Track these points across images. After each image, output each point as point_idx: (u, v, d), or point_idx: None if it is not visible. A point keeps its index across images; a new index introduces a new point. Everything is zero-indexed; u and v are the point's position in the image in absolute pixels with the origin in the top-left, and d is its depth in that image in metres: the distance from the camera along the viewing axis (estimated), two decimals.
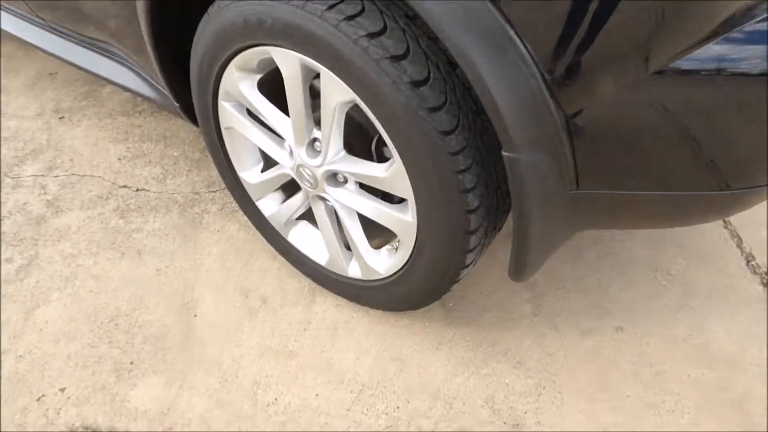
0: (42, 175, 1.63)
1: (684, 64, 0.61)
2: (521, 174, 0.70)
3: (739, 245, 1.43)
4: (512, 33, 0.61)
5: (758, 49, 0.61)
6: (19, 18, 1.76)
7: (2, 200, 1.52)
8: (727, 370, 1.14)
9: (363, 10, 0.74)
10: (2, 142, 1.79)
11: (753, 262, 1.38)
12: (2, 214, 1.47)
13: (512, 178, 0.71)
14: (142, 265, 1.32)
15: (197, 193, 1.58)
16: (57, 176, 1.63)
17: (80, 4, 1.29)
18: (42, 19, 1.61)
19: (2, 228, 1.42)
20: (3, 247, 1.36)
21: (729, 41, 0.61)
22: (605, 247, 1.42)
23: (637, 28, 0.59)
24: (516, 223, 0.78)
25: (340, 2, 0.74)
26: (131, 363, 1.09)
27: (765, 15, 0.61)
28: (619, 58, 0.62)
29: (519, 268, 0.86)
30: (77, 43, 1.55)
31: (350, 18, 0.74)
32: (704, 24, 0.60)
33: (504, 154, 0.69)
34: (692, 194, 0.73)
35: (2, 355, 1.09)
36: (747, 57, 0.61)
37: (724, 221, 1.50)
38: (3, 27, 1.83)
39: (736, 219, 1.49)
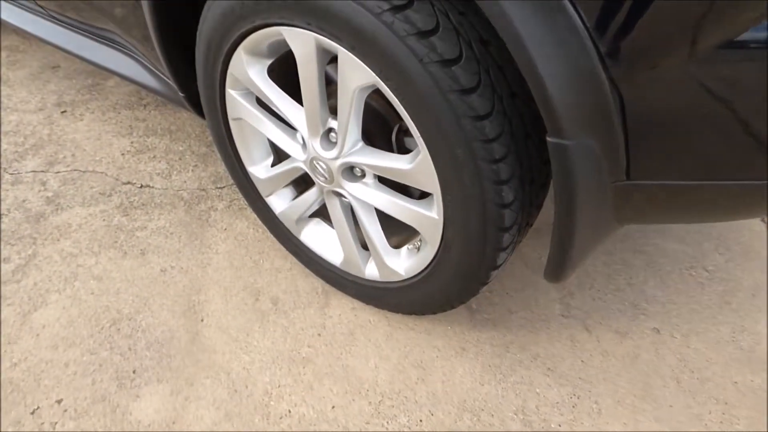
0: (43, 171, 1.56)
1: (762, 33, 0.52)
2: (568, 163, 0.61)
3: None
4: (575, 14, 0.52)
5: None
6: (19, 7, 1.69)
7: (1, 197, 1.46)
8: None
9: None
10: (3, 136, 1.72)
11: None
12: (1, 212, 1.41)
13: (558, 167, 0.62)
14: (145, 265, 1.25)
15: (204, 189, 1.50)
16: (58, 172, 1.56)
17: None
18: (42, 8, 1.54)
19: (1, 226, 1.36)
20: (1, 246, 1.30)
21: None
22: (635, 243, 1.34)
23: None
24: (559, 219, 0.69)
25: None
26: (134, 371, 1.01)
27: None
28: (686, 26, 0.53)
29: (558, 269, 0.77)
30: (79, 33, 1.48)
31: None
32: None
33: (549, 140, 0.61)
34: (761, 183, 0.64)
35: None
36: None
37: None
38: (2, 17, 1.76)
39: None
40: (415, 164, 0.78)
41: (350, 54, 0.72)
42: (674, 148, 0.63)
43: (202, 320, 1.13)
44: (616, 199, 0.69)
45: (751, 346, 1.11)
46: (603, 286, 1.23)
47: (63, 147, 1.68)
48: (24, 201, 1.44)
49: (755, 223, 1.40)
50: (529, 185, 0.77)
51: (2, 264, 1.25)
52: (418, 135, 0.73)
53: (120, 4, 1.14)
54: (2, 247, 1.29)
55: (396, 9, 0.65)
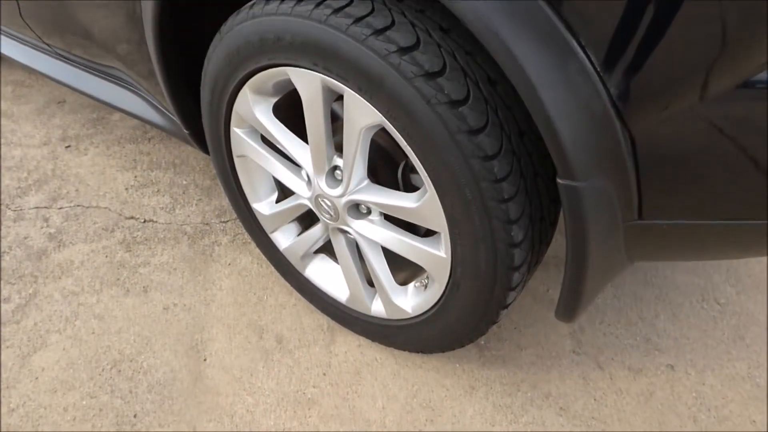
0: (45, 207, 1.56)
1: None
2: (579, 204, 0.60)
3: None
4: (572, 40, 0.52)
5: None
6: (25, 45, 1.72)
7: (2, 234, 1.45)
8: None
9: (393, 23, 0.66)
10: (6, 171, 1.73)
11: None
12: (2, 249, 1.40)
13: (569, 209, 0.61)
14: (148, 303, 1.23)
15: (207, 223, 1.49)
16: (61, 207, 1.56)
17: (89, 29, 1.23)
18: (48, 45, 1.56)
19: (1, 264, 1.34)
20: (1, 286, 1.28)
21: None
22: (645, 276, 1.32)
23: (718, 34, 0.50)
24: (571, 259, 0.68)
25: (367, 15, 0.66)
26: (134, 415, 0.99)
27: None
28: (697, 69, 0.52)
29: (570, 309, 0.75)
30: (84, 70, 1.50)
31: (379, 32, 0.66)
32: None
33: (560, 182, 0.60)
34: (756, 224, 0.63)
35: None
36: None
37: None
38: (7, 54, 1.79)
39: None
40: (422, 203, 0.77)
41: (357, 95, 0.72)
42: (687, 188, 0.62)
43: (205, 360, 1.10)
44: (628, 238, 0.67)
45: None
46: (614, 320, 1.20)
47: (66, 182, 1.68)
48: (26, 238, 1.43)
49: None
50: (538, 224, 0.75)
51: (2, 304, 1.23)
52: (426, 175, 0.72)
53: (125, 42, 1.15)
54: (2, 286, 1.28)
55: (403, 51, 0.65)
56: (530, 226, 0.72)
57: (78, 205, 1.57)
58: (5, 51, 1.80)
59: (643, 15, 0.50)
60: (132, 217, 1.52)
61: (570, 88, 0.54)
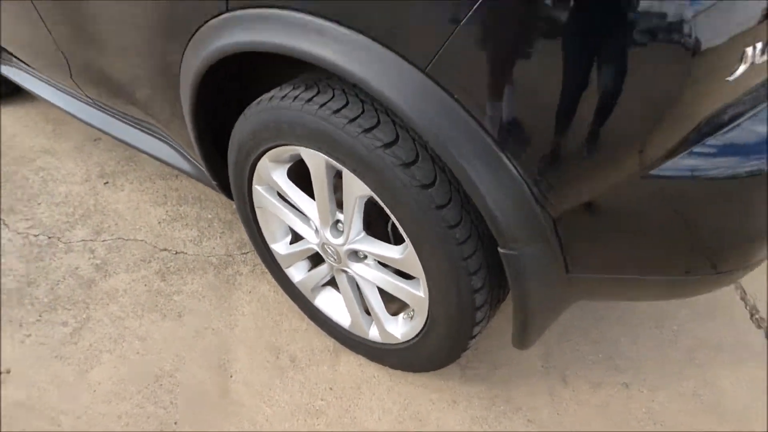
0: (91, 240, 1.79)
1: (662, 171, 0.71)
2: (516, 266, 0.80)
3: (743, 297, 1.49)
4: (502, 155, 0.73)
5: (729, 160, 0.71)
6: (66, 94, 1.96)
7: (56, 265, 1.68)
8: (740, 426, 1.19)
9: (378, 123, 0.87)
10: (55, 207, 1.97)
11: (756, 316, 1.44)
12: (57, 278, 1.63)
13: (508, 269, 0.82)
14: (182, 326, 1.45)
15: (230, 255, 1.71)
16: (104, 240, 1.79)
17: (131, 92, 1.46)
18: (89, 97, 1.80)
19: (58, 292, 1.58)
20: (59, 311, 1.51)
21: (705, 149, 0.71)
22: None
23: (612, 149, 0.70)
24: (515, 305, 0.88)
25: (359, 116, 0.87)
26: (175, 423, 1.20)
27: (733, 125, 0.71)
28: (596, 172, 0.72)
29: (521, 341, 0.95)
30: (120, 119, 1.72)
31: (368, 130, 0.87)
32: (678, 135, 0.70)
33: (500, 250, 0.80)
34: (667, 278, 0.83)
35: (62, 416, 1.22)
36: (721, 165, 0.71)
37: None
38: (50, 100, 2.03)
39: None
40: (405, 255, 0.97)
41: (352, 174, 0.93)
42: (599, 251, 0.81)
43: (231, 376, 1.32)
44: (562, 287, 0.87)
45: (714, 400, 1.25)
46: (580, 339, 1.39)
47: (107, 216, 1.91)
48: (76, 268, 1.67)
49: None
50: (495, 274, 0.95)
51: (62, 327, 1.46)
52: (406, 236, 0.93)
53: (164, 106, 1.37)
54: (60, 311, 1.51)
55: (386, 145, 0.86)
56: (488, 275, 0.92)
57: (119, 238, 1.80)
58: (48, 97, 2.04)
59: (548, 143, 0.70)
60: (165, 249, 1.74)
61: (501, 186, 0.75)
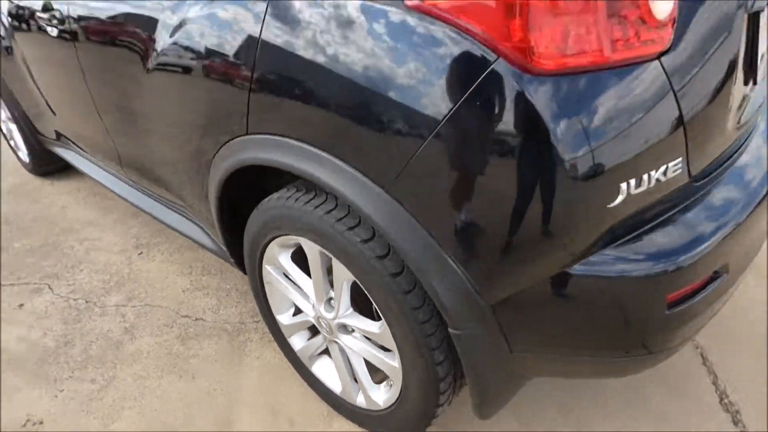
0: (123, 305, 2.02)
1: (575, 270, 0.89)
2: (463, 344, 0.97)
3: (714, 382, 1.59)
4: (446, 256, 0.92)
5: (625, 264, 0.88)
6: (111, 175, 2.26)
7: (91, 327, 1.90)
8: None
9: (359, 223, 1.08)
10: (94, 274, 2.22)
11: (726, 400, 1.53)
12: (90, 339, 1.84)
13: (457, 347, 0.99)
14: (195, 387, 1.63)
15: (243, 322, 1.91)
16: (134, 306, 2.01)
17: (168, 181, 1.73)
18: (130, 179, 2.09)
19: (90, 352, 1.78)
20: (89, 369, 1.71)
21: (617, 250, 0.89)
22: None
23: (530, 254, 0.88)
24: (467, 378, 1.04)
25: (344, 217, 1.09)
26: None
27: (626, 238, 0.89)
28: (518, 272, 0.90)
29: (480, 411, 1.10)
30: (155, 199, 1.99)
31: (351, 228, 1.08)
32: (588, 238, 0.88)
33: (450, 330, 0.98)
34: (601, 359, 0.98)
35: None
36: (631, 265, 0.88)
37: (702, 357, 1.67)
38: (98, 179, 2.34)
39: (714, 356, 1.65)
40: (381, 330, 1.15)
41: (340, 262, 1.14)
42: (534, 333, 0.98)
43: None
44: (508, 363, 1.03)
45: None
46: (553, 409, 1.50)
47: (138, 284, 2.15)
48: (108, 331, 1.88)
49: (694, 366, 1.65)
50: (454, 349, 1.11)
51: (90, 384, 1.65)
52: (381, 315, 1.11)
53: (191, 191, 1.62)
54: (90, 369, 1.71)
55: (364, 241, 1.07)
56: (448, 351, 1.09)
57: (147, 305, 2.02)
58: (97, 177, 2.35)
59: (484, 244, 0.89)
60: (187, 316, 1.95)
61: (447, 280, 0.93)
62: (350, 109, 0.94)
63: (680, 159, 0.87)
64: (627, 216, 0.87)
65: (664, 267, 0.88)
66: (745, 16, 1.04)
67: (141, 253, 2.37)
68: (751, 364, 1.62)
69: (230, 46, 1.12)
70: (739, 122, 1.05)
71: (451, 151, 0.84)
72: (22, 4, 2.06)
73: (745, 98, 1.12)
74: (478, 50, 0.78)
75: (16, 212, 2.81)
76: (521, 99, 0.77)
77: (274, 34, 1.02)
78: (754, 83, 1.14)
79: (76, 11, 1.68)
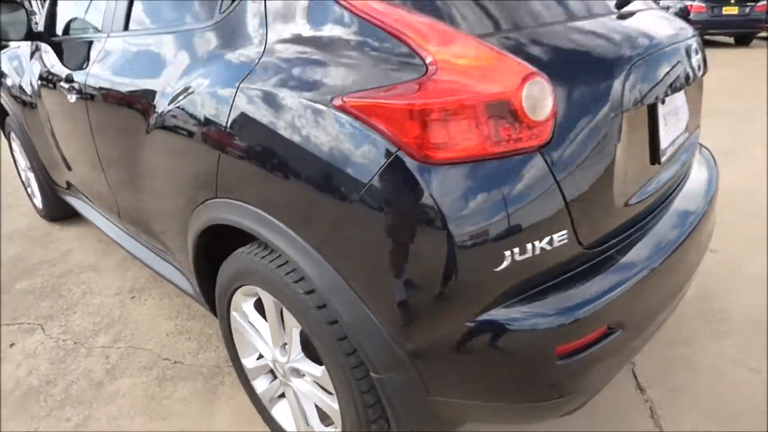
0: (109, 347, 2.16)
1: (475, 323, 1.02)
2: (385, 389, 1.10)
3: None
4: (366, 308, 1.07)
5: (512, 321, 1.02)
6: (111, 223, 2.46)
7: (75, 367, 2.04)
8: None
9: (303, 278, 1.23)
10: (86, 316, 2.37)
11: None
12: (72, 379, 1.97)
13: (380, 391, 1.11)
14: (166, 427, 1.73)
15: (219, 366, 2.03)
16: (119, 348, 2.15)
17: (155, 228, 1.91)
18: (127, 228, 2.28)
19: (70, 391, 1.91)
20: (66, 408, 1.83)
21: (513, 307, 1.03)
22: None
23: (433, 310, 1.02)
24: (392, 422, 1.15)
25: (291, 272, 1.24)
26: None
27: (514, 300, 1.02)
28: (427, 325, 1.04)
29: None
30: (146, 248, 2.17)
31: (296, 281, 1.23)
32: (483, 296, 1.01)
33: (372, 375, 1.11)
34: (505, 405, 1.10)
35: None
36: (513, 321, 1.02)
37: (651, 411, 1.74)
38: (100, 226, 2.54)
39: (662, 410, 1.73)
40: (323, 375, 1.28)
41: (289, 312, 1.28)
42: (448, 380, 1.10)
43: None
44: (432, 408, 1.14)
45: None
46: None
47: (126, 326, 2.29)
48: (90, 371, 2.01)
49: (644, 424, 1.73)
50: None
51: (65, 422, 1.77)
52: (323, 361, 1.24)
53: (174, 242, 1.79)
54: (67, 409, 1.83)
55: (306, 293, 1.21)
56: (377, 394, 1.21)
57: (131, 346, 2.16)
58: (99, 224, 2.55)
59: (396, 300, 1.04)
60: (167, 359, 2.08)
61: (367, 329, 1.07)
62: (287, 182, 1.12)
63: (565, 231, 1.03)
64: (523, 276, 1.02)
65: (553, 323, 1.01)
66: (645, 108, 1.23)
67: (134, 297, 2.53)
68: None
69: (206, 122, 1.33)
70: (634, 200, 1.20)
71: (365, 222, 1.01)
72: (52, 70, 2.34)
73: (649, 179, 1.28)
74: (385, 143, 0.96)
75: (23, 255, 3.01)
76: (417, 183, 0.94)
77: (235, 117, 1.22)
78: (659, 164, 1.31)
79: (91, 82, 1.93)
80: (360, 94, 1.00)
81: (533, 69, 0.97)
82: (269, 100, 1.15)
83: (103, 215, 2.54)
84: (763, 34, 11.86)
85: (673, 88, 1.33)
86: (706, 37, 11.48)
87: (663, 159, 1.32)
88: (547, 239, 1.00)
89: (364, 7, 1.07)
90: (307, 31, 1.16)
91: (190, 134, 1.39)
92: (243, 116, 1.21)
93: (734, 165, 3.91)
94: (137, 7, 1.77)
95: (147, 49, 1.67)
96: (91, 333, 2.25)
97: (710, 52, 10.43)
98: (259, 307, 1.50)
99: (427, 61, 0.97)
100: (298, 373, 1.44)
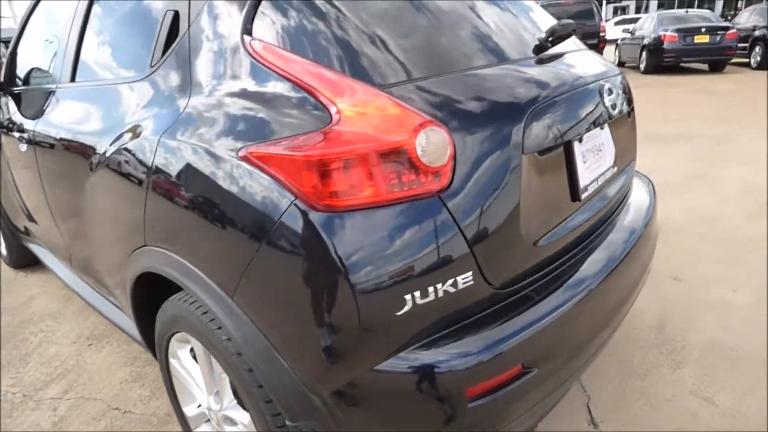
0: (59, 398, 2.11)
1: (385, 366, 1.02)
2: None
3: None
4: (278, 356, 1.07)
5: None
6: (66, 269, 2.45)
7: (21, 421, 1.99)
8: None
9: (221, 327, 1.23)
10: (39, 366, 2.33)
11: None
12: None
13: None
14: None
15: (169, 414, 1.99)
16: (69, 399, 2.11)
17: (103, 278, 1.91)
18: (79, 274, 2.27)
19: None
20: None
21: (422, 349, 1.02)
22: None
23: (338, 356, 1.01)
24: None
25: (213, 319, 1.24)
26: None
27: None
28: (335, 372, 1.03)
29: None
30: (98, 293, 2.16)
31: (219, 328, 1.22)
32: (388, 340, 1.01)
33: (287, 423, 1.10)
34: None
35: None
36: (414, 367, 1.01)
37: None
38: (56, 272, 2.52)
39: None
40: (249, 423, 1.26)
41: (215, 359, 1.27)
42: (364, 423, 1.09)
43: None
44: None
45: None
46: None
47: (80, 376, 2.25)
48: (36, 424, 1.96)
49: None
50: None
51: None
52: (247, 409, 1.23)
53: (118, 292, 1.79)
54: None
55: (227, 339, 1.21)
56: None
57: (82, 397, 2.11)
58: (55, 270, 2.54)
59: (306, 351, 1.04)
60: (117, 408, 2.04)
61: (282, 378, 1.07)
62: (202, 232, 1.14)
63: (470, 273, 1.04)
64: (429, 319, 1.02)
65: (463, 364, 1.01)
66: (560, 147, 1.26)
67: (91, 344, 2.50)
68: None
69: (134, 171, 1.35)
70: (546, 240, 1.21)
71: (269, 271, 1.02)
72: (12, 118, 2.38)
73: (568, 216, 1.30)
74: (284, 192, 0.98)
75: None
76: (315, 232, 0.96)
77: (157, 167, 1.25)
78: (579, 201, 1.34)
79: (39, 132, 1.97)
80: (263, 145, 1.02)
81: (428, 118, 1.00)
82: (185, 151, 1.17)
83: (60, 262, 2.53)
84: (735, 60, 12.25)
85: (590, 127, 1.37)
86: (682, 64, 11.85)
87: (584, 196, 1.35)
88: (450, 282, 1.01)
89: (274, 59, 1.11)
90: (225, 85, 1.19)
91: (122, 183, 1.41)
92: (164, 167, 1.23)
93: (705, 189, 3.98)
94: (83, 59, 1.82)
95: (88, 100, 1.71)
96: (43, 384, 2.21)
97: (685, 79, 10.79)
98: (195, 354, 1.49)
99: (332, 111, 1.00)
100: (232, 421, 1.41)
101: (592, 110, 1.35)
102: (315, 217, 0.96)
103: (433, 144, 0.99)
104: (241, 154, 1.04)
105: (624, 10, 36.06)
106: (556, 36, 1.43)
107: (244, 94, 1.14)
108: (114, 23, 1.68)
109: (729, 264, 2.79)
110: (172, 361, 1.56)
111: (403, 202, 0.98)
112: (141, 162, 1.31)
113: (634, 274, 1.47)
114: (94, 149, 1.57)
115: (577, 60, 1.53)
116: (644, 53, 12.08)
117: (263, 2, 1.18)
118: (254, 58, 1.14)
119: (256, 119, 1.08)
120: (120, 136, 1.44)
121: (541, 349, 1.11)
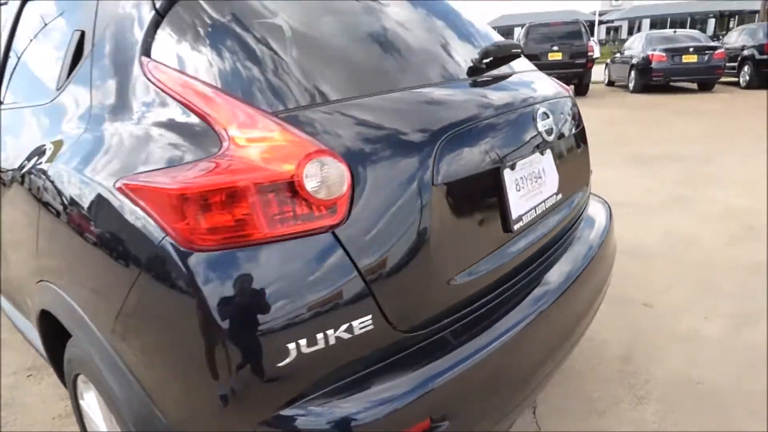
0: None
1: (277, 417, 0.90)
2: None
3: None
4: (159, 414, 0.96)
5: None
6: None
7: None
8: None
9: None
10: None
11: None
12: None
13: None
14: None
15: None
16: None
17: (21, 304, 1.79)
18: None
19: None
20: None
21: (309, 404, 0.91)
22: None
23: (221, 407, 0.90)
24: None
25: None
26: None
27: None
28: (228, 421, 0.92)
29: None
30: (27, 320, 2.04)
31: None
32: (277, 393, 0.90)
33: None
34: None
35: None
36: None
37: None
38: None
39: None
40: None
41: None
42: None
43: None
44: None
45: None
46: None
47: (13, 410, 2.12)
48: None
49: None
50: None
51: None
52: None
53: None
54: None
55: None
56: None
57: None
58: None
59: (190, 399, 0.93)
60: None
61: (159, 429, 0.96)
62: (82, 268, 1.04)
63: (370, 317, 0.93)
64: (323, 368, 0.91)
65: (360, 419, 0.90)
66: (489, 176, 1.17)
67: (30, 375, 2.37)
68: None
69: (28, 200, 1.26)
70: (463, 278, 1.10)
71: (141, 314, 0.92)
72: None
73: (496, 250, 1.20)
74: (154, 227, 0.88)
75: None
76: (183, 271, 0.85)
77: (45, 197, 1.16)
78: (512, 233, 1.24)
79: None
80: (140, 175, 0.93)
81: (321, 146, 0.91)
82: (69, 181, 1.08)
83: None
84: (724, 79, 12.31)
85: (525, 153, 1.28)
86: (671, 83, 11.89)
87: (517, 227, 1.25)
88: (344, 327, 0.91)
89: (168, 82, 1.02)
90: (122, 109, 1.10)
91: (19, 213, 1.32)
92: (51, 198, 1.14)
93: (686, 212, 3.89)
94: (5, 80, 1.74)
95: (6, 122, 1.62)
96: None
97: (674, 98, 10.80)
98: None
99: (222, 139, 0.91)
100: None
101: (523, 136, 1.26)
102: (184, 257, 0.85)
103: (324, 175, 0.89)
104: (117, 185, 0.95)
105: (617, 30, 36.56)
106: (491, 57, 1.35)
107: (139, 119, 1.05)
108: (35, 44, 1.60)
109: (703, 290, 2.69)
110: (81, 402, 1.44)
111: (290, 239, 0.88)
112: (33, 192, 1.22)
113: (578, 308, 1.36)
114: (4, 175, 1.48)
115: (519, 83, 1.45)
116: (633, 72, 12.12)
117: (164, 21, 1.10)
118: (150, 81, 1.05)
119: (143, 146, 0.99)
120: (22, 165, 1.35)
121: (454, 400, 1.00)
